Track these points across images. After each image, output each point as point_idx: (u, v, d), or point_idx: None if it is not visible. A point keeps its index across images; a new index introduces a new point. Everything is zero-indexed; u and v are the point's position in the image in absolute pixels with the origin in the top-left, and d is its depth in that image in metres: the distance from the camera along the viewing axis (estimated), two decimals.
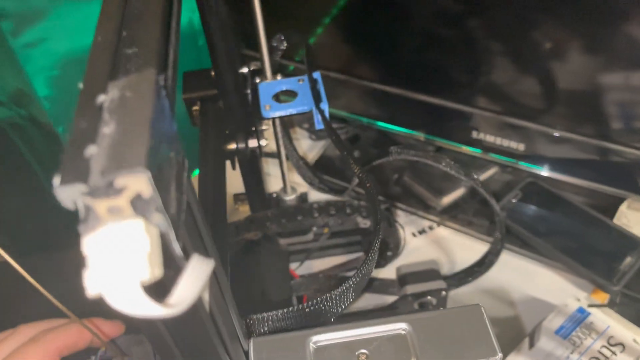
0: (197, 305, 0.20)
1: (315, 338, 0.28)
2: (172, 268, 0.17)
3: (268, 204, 0.66)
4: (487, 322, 0.28)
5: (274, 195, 0.67)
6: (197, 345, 0.23)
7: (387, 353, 0.27)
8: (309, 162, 0.80)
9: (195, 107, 0.56)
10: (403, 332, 0.28)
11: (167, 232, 0.16)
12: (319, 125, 0.48)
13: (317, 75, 0.51)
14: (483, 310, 0.28)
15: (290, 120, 0.85)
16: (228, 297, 0.25)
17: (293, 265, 0.69)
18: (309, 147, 0.84)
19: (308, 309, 0.31)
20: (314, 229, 0.65)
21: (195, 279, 0.17)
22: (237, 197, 0.68)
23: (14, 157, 0.91)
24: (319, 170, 0.79)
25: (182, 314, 0.16)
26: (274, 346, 0.28)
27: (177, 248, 0.17)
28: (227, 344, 0.25)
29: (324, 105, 0.48)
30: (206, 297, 0.21)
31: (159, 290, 0.16)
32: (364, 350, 0.27)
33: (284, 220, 0.59)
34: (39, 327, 0.38)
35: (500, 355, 0.27)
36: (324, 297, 0.31)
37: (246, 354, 0.27)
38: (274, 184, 0.73)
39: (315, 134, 0.83)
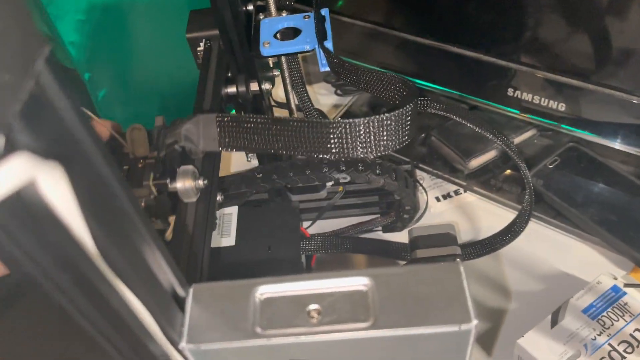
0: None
1: (262, 288, 0.24)
2: None
3: (279, 157, 0.63)
4: (464, 282, 0.23)
5: None
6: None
7: (342, 311, 0.23)
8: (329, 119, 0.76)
9: (200, 48, 0.52)
10: (364, 289, 0.24)
11: None
12: (324, 67, 0.44)
13: (325, 12, 0.46)
14: (461, 269, 0.24)
15: (313, 72, 0.81)
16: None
17: (305, 224, 0.66)
18: (335, 102, 0.79)
19: None
20: (328, 185, 0.61)
21: None
22: None
23: None
24: None
25: None
26: (215, 294, 0.25)
27: None
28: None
29: (328, 44, 0.43)
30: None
31: None
32: (315, 306, 0.24)
33: (291, 174, 0.55)
34: None
35: (475, 322, 0.22)
36: None
37: (182, 301, 0.24)
38: None
39: (341, 89, 0.78)
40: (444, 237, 0.52)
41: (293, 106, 0.56)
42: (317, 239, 0.62)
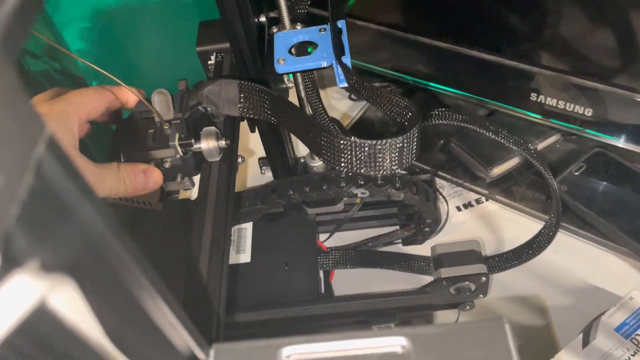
0: None
1: (288, 350, 0.22)
2: None
3: (293, 170, 0.61)
4: (512, 345, 0.21)
5: (302, 160, 0.61)
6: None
7: None
8: (345, 126, 0.73)
9: (211, 61, 0.50)
10: (400, 351, 0.22)
11: None
12: (342, 82, 0.42)
13: (341, 24, 0.43)
14: (507, 328, 0.22)
15: (327, 75, 0.78)
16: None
17: (322, 236, 0.64)
18: (348, 108, 0.77)
19: None
20: (345, 198, 0.59)
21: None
22: (262, 161, 0.63)
23: None
24: (356, 134, 0.72)
25: None
26: (238, 356, 0.23)
27: None
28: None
29: (346, 59, 0.41)
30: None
31: None
32: None
33: (307, 189, 0.53)
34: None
35: None
36: None
37: None
38: (303, 147, 0.67)
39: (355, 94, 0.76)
40: (469, 255, 0.50)
41: None
42: (335, 254, 0.60)
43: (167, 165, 0.40)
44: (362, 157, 0.32)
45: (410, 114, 0.36)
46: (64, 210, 0.12)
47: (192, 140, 0.40)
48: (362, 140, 0.32)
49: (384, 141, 0.32)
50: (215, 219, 0.39)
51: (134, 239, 0.15)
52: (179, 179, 0.41)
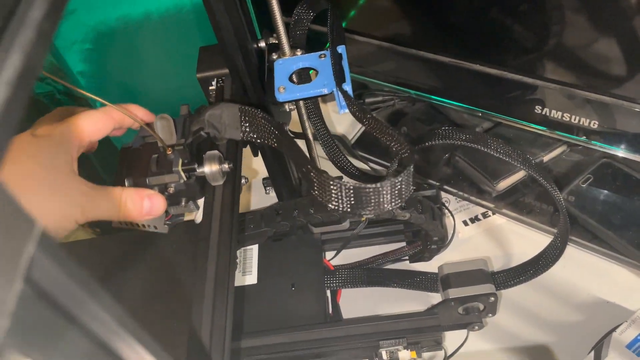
0: None
1: None
2: None
3: (297, 190, 0.60)
4: None
5: None
6: None
7: None
8: (349, 140, 0.73)
9: (212, 87, 0.50)
10: None
11: None
12: (343, 109, 0.41)
13: (341, 49, 0.43)
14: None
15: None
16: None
17: (328, 255, 0.63)
18: (352, 121, 0.76)
19: None
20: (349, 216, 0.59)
21: None
22: (266, 182, 0.63)
23: None
24: (360, 148, 0.72)
25: None
26: None
27: None
28: None
29: (347, 87, 0.41)
30: None
31: None
32: None
33: (312, 210, 0.53)
34: (77, 110, 0.39)
35: None
36: None
37: None
38: None
39: None
40: (477, 274, 0.49)
41: (310, 137, 0.54)
42: (342, 273, 0.60)
43: (171, 190, 0.40)
44: (350, 199, 0.32)
45: (405, 153, 0.36)
46: (64, 314, 0.12)
47: (196, 165, 0.40)
48: (350, 183, 0.32)
49: (370, 186, 0.32)
50: (220, 242, 0.39)
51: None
52: (183, 203, 0.41)
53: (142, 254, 0.55)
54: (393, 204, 0.32)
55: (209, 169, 0.40)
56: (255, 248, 0.61)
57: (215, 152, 0.41)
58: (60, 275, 0.12)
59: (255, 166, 0.72)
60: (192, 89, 0.63)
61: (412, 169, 0.33)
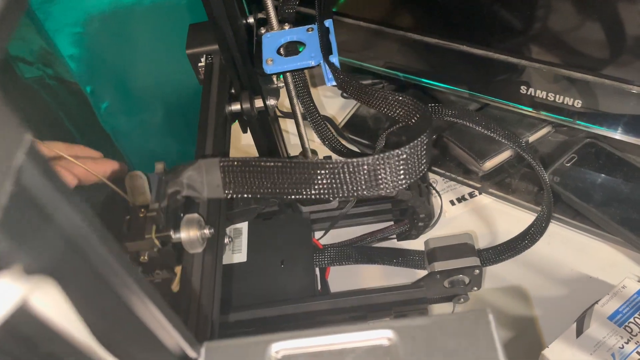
0: None
1: (277, 345, 0.23)
2: None
3: None
4: (495, 334, 0.22)
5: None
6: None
7: None
8: (338, 123, 0.74)
9: (201, 64, 0.51)
10: (386, 343, 0.22)
11: None
12: (330, 82, 0.42)
13: (328, 23, 0.44)
14: (491, 318, 0.22)
15: (319, 74, 0.79)
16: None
17: (317, 234, 0.64)
18: (341, 105, 0.77)
19: None
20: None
21: None
22: None
23: (47, 115, 0.90)
24: (349, 132, 0.73)
25: None
26: (228, 353, 0.23)
27: None
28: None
29: (334, 58, 0.41)
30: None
31: None
32: None
33: None
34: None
35: None
36: None
37: None
38: (295, 147, 0.68)
39: None
40: (462, 248, 0.50)
41: (299, 115, 0.54)
42: (331, 251, 0.60)
43: (142, 259, 0.36)
44: (363, 178, 0.29)
45: (418, 113, 0.33)
46: (44, 214, 0.13)
47: (171, 232, 0.35)
48: (360, 160, 0.29)
49: (389, 154, 0.28)
50: (200, 313, 0.35)
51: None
52: (157, 271, 0.38)
53: None
54: (418, 172, 0.29)
55: (187, 235, 0.35)
56: (245, 227, 0.62)
57: (195, 216, 0.36)
58: (45, 180, 0.13)
59: (243, 143, 0.73)
60: (183, 74, 0.63)
61: (428, 137, 0.29)
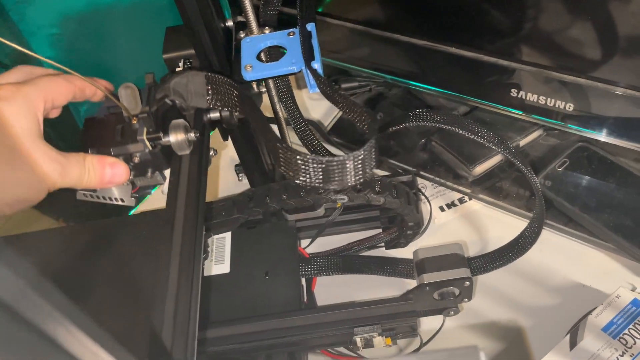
0: None
1: None
2: None
3: (270, 176, 0.59)
4: None
5: None
6: None
7: None
8: (324, 128, 0.72)
9: (179, 68, 0.48)
10: None
11: None
12: (312, 88, 0.40)
13: (311, 27, 0.42)
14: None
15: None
16: None
17: (303, 242, 0.62)
18: (327, 109, 0.75)
19: None
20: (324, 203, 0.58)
21: None
22: (238, 168, 0.61)
23: None
24: (336, 135, 0.71)
25: None
26: None
27: None
28: None
29: (317, 64, 0.39)
30: None
31: None
32: None
33: (285, 197, 0.52)
34: (38, 71, 0.39)
35: None
36: None
37: None
38: None
39: None
40: (452, 259, 0.49)
41: (282, 121, 0.52)
42: (318, 261, 0.58)
43: (136, 160, 0.40)
44: (318, 173, 0.32)
45: (368, 124, 0.35)
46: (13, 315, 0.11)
47: (161, 134, 0.39)
48: (318, 157, 0.31)
49: (335, 159, 0.32)
50: (186, 217, 0.38)
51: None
52: (149, 173, 0.41)
53: (106, 244, 0.53)
54: (356, 177, 0.32)
55: (175, 137, 0.40)
56: (228, 236, 0.60)
57: (181, 120, 0.40)
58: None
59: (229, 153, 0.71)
60: (163, 71, 0.61)
61: (375, 142, 0.32)
